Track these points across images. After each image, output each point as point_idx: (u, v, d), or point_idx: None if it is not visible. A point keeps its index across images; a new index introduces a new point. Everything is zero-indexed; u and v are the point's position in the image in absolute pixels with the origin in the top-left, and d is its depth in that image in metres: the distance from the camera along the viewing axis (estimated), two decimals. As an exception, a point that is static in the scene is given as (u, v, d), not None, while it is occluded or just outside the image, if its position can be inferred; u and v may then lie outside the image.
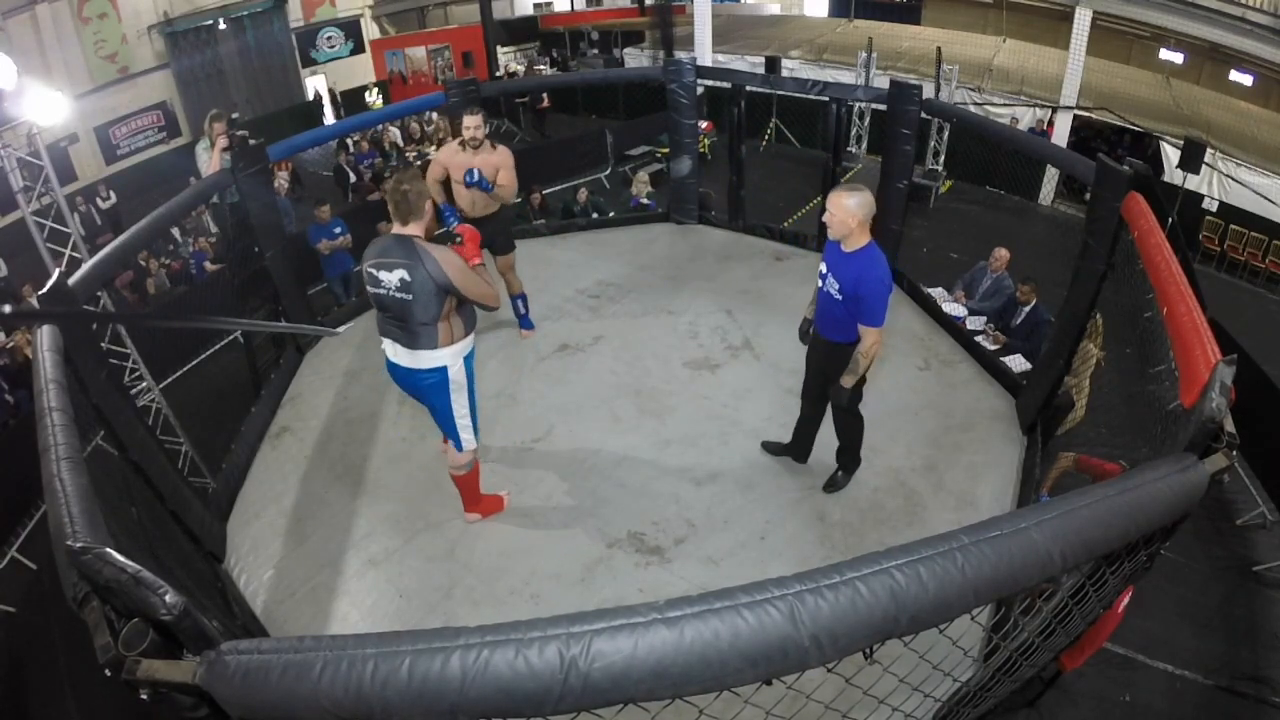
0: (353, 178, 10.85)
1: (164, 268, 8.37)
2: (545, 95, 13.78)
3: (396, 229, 2.63)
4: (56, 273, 2.50)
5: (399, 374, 2.83)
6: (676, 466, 3.50)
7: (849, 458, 3.36)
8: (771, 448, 3.55)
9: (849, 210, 2.67)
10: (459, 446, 2.96)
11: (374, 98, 15.16)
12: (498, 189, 3.84)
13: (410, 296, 2.57)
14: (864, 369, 2.88)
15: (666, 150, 7.76)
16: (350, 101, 15.67)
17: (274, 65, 14.86)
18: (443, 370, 2.75)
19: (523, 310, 4.61)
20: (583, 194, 8.02)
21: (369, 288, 2.68)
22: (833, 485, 3.36)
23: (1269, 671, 4.00)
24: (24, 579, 4.98)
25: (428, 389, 2.80)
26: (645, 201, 8.31)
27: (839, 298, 2.80)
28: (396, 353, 2.75)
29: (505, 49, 17.31)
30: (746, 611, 1.00)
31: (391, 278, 2.58)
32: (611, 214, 7.48)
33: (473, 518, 3.26)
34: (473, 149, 3.85)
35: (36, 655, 4.39)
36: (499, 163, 3.85)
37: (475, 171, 3.73)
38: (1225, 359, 1.55)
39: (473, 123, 3.79)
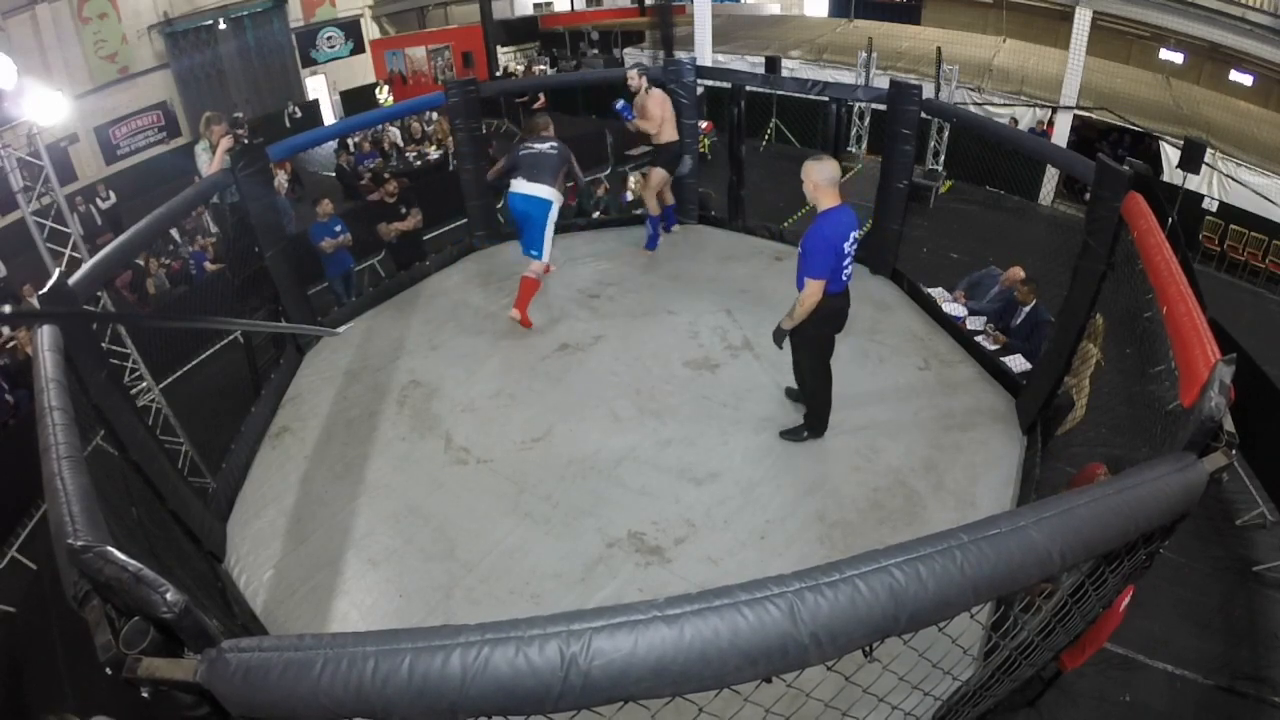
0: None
1: (164, 268, 8.36)
2: (541, 94, 13.74)
3: (548, 135, 4.55)
4: (56, 273, 2.50)
5: (519, 201, 4.40)
6: (676, 466, 3.50)
7: (812, 417, 3.62)
8: (794, 394, 3.86)
9: (807, 174, 3.12)
10: (539, 256, 4.48)
11: (385, 96, 15.06)
12: (638, 120, 5.27)
13: (556, 155, 4.42)
14: (798, 316, 3.20)
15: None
16: (352, 101, 15.64)
17: (274, 65, 14.85)
18: (549, 203, 4.38)
19: (651, 231, 5.59)
20: (602, 188, 8.50)
21: (522, 153, 4.43)
22: (789, 434, 3.63)
23: (1269, 671, 4.00)
24: (24, 579, 4.97)
25: (537, 211, 4.37)
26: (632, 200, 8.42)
27: (800, 251, 3.17)
28: (526, 187, 4.36)
29: (505, 49, 17.29)
30: (746, 609, 1.00)
31: (545, 146, 4.43)
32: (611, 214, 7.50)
33: (514, 314, 4.53)
34: (633, 93, 5.30)
35: (36, 655, 4.39)
36: (645, 104, 5.27)
37: (620, 102, 5.24)
38: (1225, 358, 1.55)
39: (630, 76, 5.28)
